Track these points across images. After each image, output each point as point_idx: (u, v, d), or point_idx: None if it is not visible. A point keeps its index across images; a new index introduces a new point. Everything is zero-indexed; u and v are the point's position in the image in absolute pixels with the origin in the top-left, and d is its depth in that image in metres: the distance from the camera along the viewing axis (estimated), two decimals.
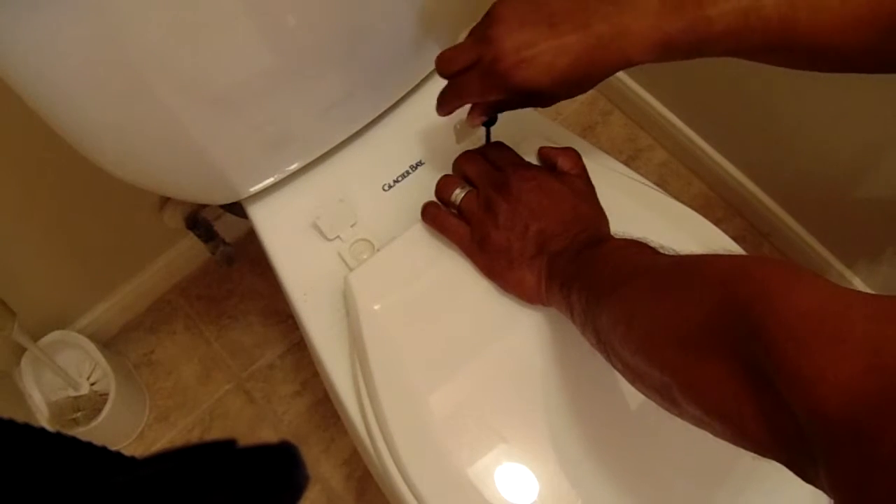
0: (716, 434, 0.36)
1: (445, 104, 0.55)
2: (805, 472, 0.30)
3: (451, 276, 0.58)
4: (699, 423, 0.37)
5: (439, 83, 0.54)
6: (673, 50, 0.46)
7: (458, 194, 0.58)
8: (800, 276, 0.32)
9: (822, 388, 0.27)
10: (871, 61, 0.46)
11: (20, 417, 0.23)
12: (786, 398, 0.29)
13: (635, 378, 0.41)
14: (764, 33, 0.44)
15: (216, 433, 1.02)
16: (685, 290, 0.38)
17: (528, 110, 0.67)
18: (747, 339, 0.31)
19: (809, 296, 0.30)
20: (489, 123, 0.59)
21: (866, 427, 0.25)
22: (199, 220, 0.95)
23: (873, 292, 0.95)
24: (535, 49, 0.47)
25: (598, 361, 0.45)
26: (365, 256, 0.62)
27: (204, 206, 0.93)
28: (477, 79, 0.50)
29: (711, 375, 0.34)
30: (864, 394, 0.25)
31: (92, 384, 0.96)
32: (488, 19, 0.50)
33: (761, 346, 0.30)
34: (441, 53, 0.52)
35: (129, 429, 1.00)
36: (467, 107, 0.58)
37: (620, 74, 1.11)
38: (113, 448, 0.25)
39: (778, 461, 0.32)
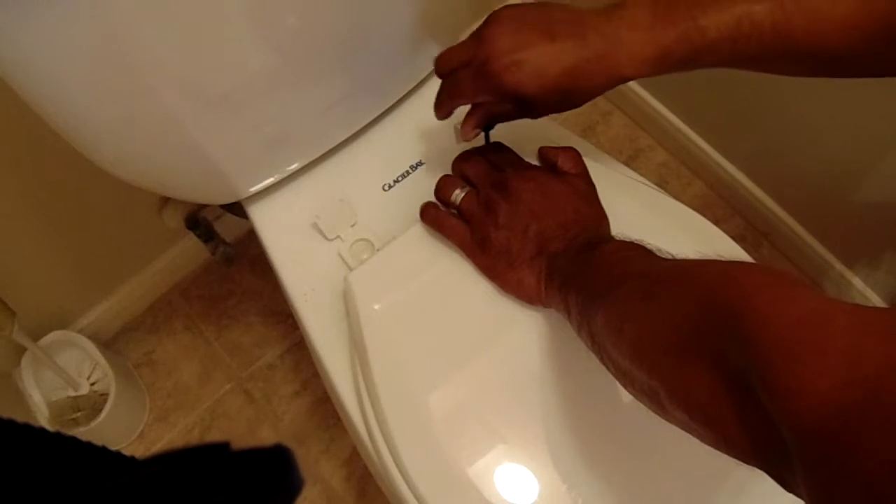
0: (701, 439, 0.36)
1: (441, 105, 0.55)
2: (785, 480, 0.30)
3: (450, 276, 0.58)
4: (686, 428, 0.37)
5: (439, 84, 0.54)
6: (668, 61, 0.46)
7: (458, 195, 0.58)
8: (785, 285, 0.32)
9: (802, 399, 0.27)
10: (865, 66, 0.46)
11: (20, 417, 0.23)
12: (766, 407, 0.29)
13: (626, 381, 0.42)
14: (758, 40, 0.44)
15: (216, 433, 1.02)
16: (674, 295, 0.38)
17: None
18: (731, 346, 0.32)
19: (793, 306, 0.30)
20: (486, 128, 0.59)
21: (842, 439, 0.25)
22: (199, 220, 0.95)
23: (873, 292, 0.96)
24: (527, 53, 0.47)
25: (597, 363, 0.45)
26: (365, 256, 0.62)
27: (204, 206, 0.93)
28: (468, 78, 0.50)
29: (696, 381, 0.34)
30: (842, 406, 0.26)
31: (92, 384, 0.96)
32: (487, 20, 0.50)
33: (744, 355, 0.30)
34: (441, 53, 0.52)
35: (129, 429, 1.00)
36: (467, 107, 0.58)
37: None
38: (113, 448, 0.25)
39: (759, 468, 0.32)
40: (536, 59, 0.47)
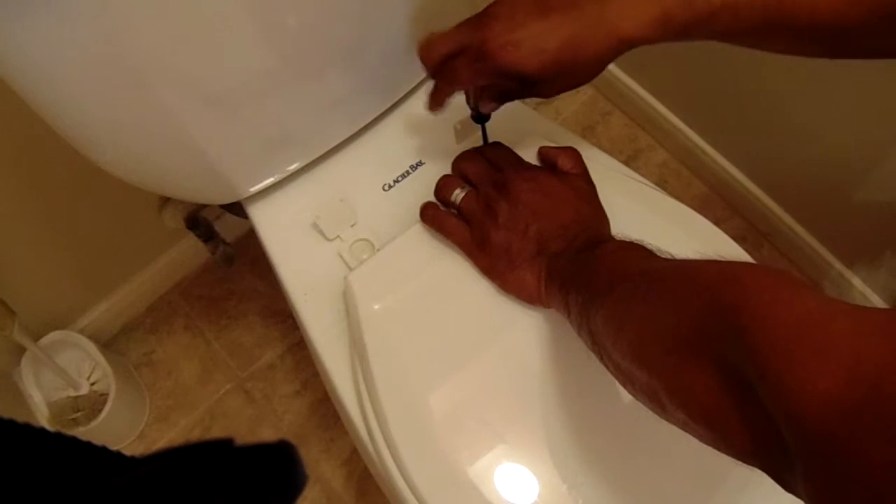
0: (701, 439, 0.36)
1: (437, 93, 0.54)
2: (784, 480, 0.30)
3: (451, 276, 0.58)
4: (686, 428, 0.37)
5: None
6: (669, 25, 0.45)
7: (458, 194, 0.58)
8: (786, 284, 0.32)
9: (803, 398, 0.27)
10: (871, 45, 0.45)
11: (20, 417, 0.23)
12: (767, 407, 0.29)
13: (626, 381, 0.42)
14: (761, 10, 0.44)
15: (216, 433, 1.02)
16: (674, 294, 0.38)
17: (528, 110, 0.68)
18: (732, 345, 0.32)
19: (794, 306, 0.30)
20: (482, 120, 0.59)
21: (843, 439, 0.25)
22: (199, 220, 0.95)
23: (872, 292, 0.96)
24: (524, 31, 0.47)
25: (597, 363, 0.45)
26: (365, 256, 0.62)
27: (204, 206, 0.93)
28: (467, 63, 0.50)
29: (697, 381, 0.34)
30: (843, 406, 0.26)
31: (92, 384, 0.96)
32: (483, 10, 0.50)
33: (744, 355, 0.30)
34: (424, 44, 0.51)
35: (129, 429, 1.00)
36: (465, 107, 0.58)
37: (620, 74, 1.11)
38: (113, 448, 0.25)
39: (759, 468, 0.32)
40: (534, 36, 0.47)
